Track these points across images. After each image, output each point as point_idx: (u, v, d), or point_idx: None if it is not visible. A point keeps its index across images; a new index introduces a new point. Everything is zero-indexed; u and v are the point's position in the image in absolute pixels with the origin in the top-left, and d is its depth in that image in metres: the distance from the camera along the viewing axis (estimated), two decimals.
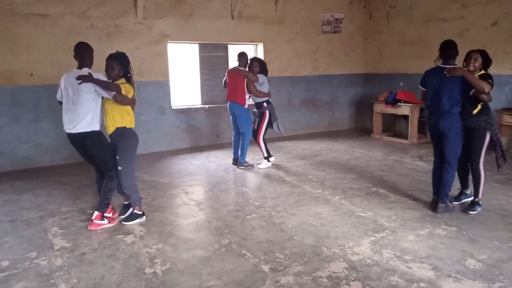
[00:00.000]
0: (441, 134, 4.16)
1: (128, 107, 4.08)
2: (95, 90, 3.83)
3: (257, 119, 6.33)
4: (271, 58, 8.67)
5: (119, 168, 4.05)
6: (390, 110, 8.32)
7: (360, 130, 9.78)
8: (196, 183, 5.64)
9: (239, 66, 6.15)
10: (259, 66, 6.17)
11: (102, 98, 3.95)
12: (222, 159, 6.87)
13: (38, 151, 6.63)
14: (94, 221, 4.04)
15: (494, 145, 4.25)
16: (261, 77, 6.14)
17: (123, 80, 3.99)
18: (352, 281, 3.00)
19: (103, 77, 3.87)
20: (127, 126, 4.09)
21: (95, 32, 6.83)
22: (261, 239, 3.74)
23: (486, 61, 4.16)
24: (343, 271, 3.14)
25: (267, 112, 6.26)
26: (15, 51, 6.28)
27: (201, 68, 8.05)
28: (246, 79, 6.03)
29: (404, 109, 7.95)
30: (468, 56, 4.13)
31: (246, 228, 4.03)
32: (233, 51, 8.33)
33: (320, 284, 2.97)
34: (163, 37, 7.44)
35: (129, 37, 7.12)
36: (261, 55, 8.63)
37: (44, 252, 3.58)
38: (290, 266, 3.23)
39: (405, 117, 8.17)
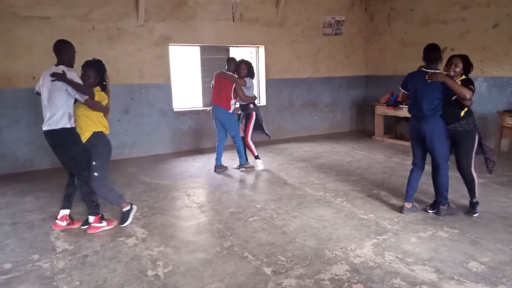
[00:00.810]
0: (425, 139, 4.13)
1: (101, 114, 4.03)
2: (66, 90, 3.75)
3: (244, 121, 6.29)
4: (272, 61, 8.70)
5: (95, 174, 3.95)
6: (391, 112, 8.33)
7: (362, 132, 9.78)
8: (197, 186, 5.63)
9: (227, 70, 6.12)
10: (246, 69, 6.10)
11: (76, 101, 3.90)
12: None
13: (39, 153, 6.63)
14: (92, 224, 4.03)
15: (481, 148, 4.22)
16: (248, 81, 6.09)
17: (98, 88, 3.96)
18: (355, 283, 2.99)
19: (78, 79, 3.79)
20: (104, 132, 4.07)
21: (96, 34, 6.84)
22: (263, 242, 3.74)
23: (467, 66, 4.11)
24: (345, 274, 3.13)
25: (254, 113, 6.21)
26: (15, 53, 6.30)
27: (202, 71, 8.06)
28: (234, 84, 5.99)
29: (405, 111, 7.93)
30: (449, 61, 4.10)
31: (248, 230, 4.02)
32: (234, 53, 8.35)
33: (322, 286, 2.96)
34: (165, 39, 7.45)
35: (130, 40, 7.14)
36: (262, 58, 8.65)
37: (46, 254, 3.57)
38: (292, 269, 3.23)
39: (407, 119, 8.15)
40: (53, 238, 3.92)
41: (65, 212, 4.12)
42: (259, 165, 6.33)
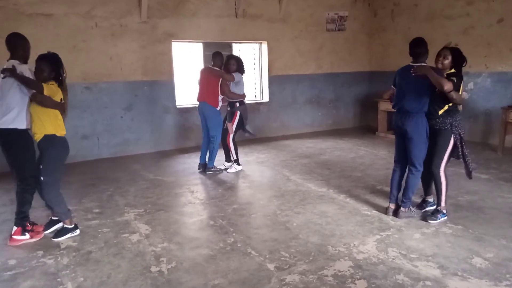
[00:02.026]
0: (405, 135, 3.96)
1: (58, 113, 3.70)
2: (18, 86, 3.51)
3: (227, 118, 6.06)
4: (275, 57, 8.68)
5: (42, 178, 3.66)
6: None
7: (365, 128, 9.75)
8: (201, 182, 5.64)
9: (213, 65, 5.85)
10: (236, 64, 5.87)
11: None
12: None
13: None
14: (13, 236, 3.71)
15: (457, 152, 3.97)
16: (237, 76, 5.85)
17: (52, 82, 3.65)
18: (358, 279, 2.99)
19: (28, 72, 3.53)
20: (57, 134, 3.70)
21: (99, 31, 6.84)
22: (266, 238, 3.74)
23: (459, 60, 3.93)
24: (348, 270, 3.13)
25: (238, 112, 5.97)
26: None
27: None
28: (220, 79, 5.78)
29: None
30: (438, 54, 3.97)
31: (251, 226, 4.03)
32: (238, 49, 8.34)
33: (326, 282, 2.97)
34: (167, 36, 7.45)
35: (133, 37, 7.14)
36: (265, 54, 8.64)
37: (50, 250, 3.59)
38: (295, 265, 3.23)
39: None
40: None
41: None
42: (233, 168, 6.04)
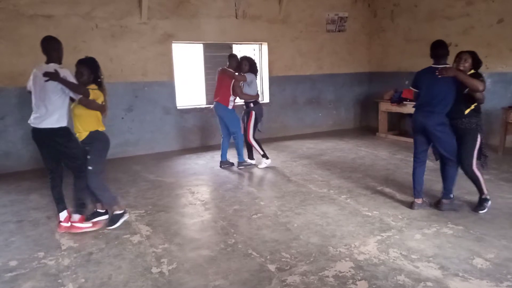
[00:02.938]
0: (429, 134, 4.13)
1: (98, 113, 3.98)
2: (61, 89, 3.72)
3: (244, 119, 6.25)
4: (275, 57, 8.68)
5: (89, 168, 3.92)
6: (395, 108, 8.30)
7: (365, 129, 9.75)
8: (201, 183, 5.64)
9: (228, 67, 6.10)
10: (248, 65, 6.08)
11: (72, 100, 3.88)
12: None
13: None
14: (75, 224, 3.98)
15: (480, 150, 4.17)
16: (249, 76, 6.04)
17: (93, 85, 3.91)
18: (359, 280, 2.99)
19: (71, 76, 3.75)
20: (100, 130, 4.01)
21: (99, 32, 6.85)
22: (266, 239, 3.74)
23: (476, 62, 4.09)
24: (349, 271, 3.13)
25: (253, 112, 6.15)
26: (19, 52, 6.31)
27: (206, 68, 8.05)
28: (232, 80, 5.97)
29: (409, 108, 7.90)
30: (458, 57, 4.09)
31: (252, 227, 4.03)
32: (238, 50, 8.34)
33: (327, 283, 2.97)
34: (168, 37, 7.46)
35: (133, 38, 7.15)
36: (265, 55, 8.64)
37: (51, 252, 3.59)
38: (296, 266, 3.23)
39: (411, 115, 8.12)
40: (58, 235, 3.94)
41: (64, 213, 4.06)
42: (263, 163, 6.29)
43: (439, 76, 3.89)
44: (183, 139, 7.93)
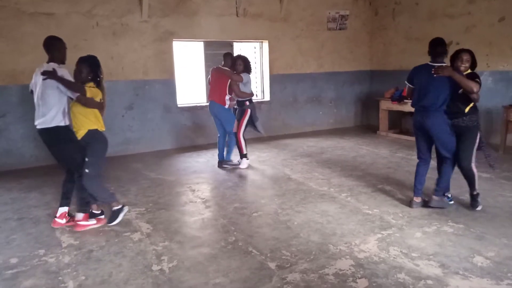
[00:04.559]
0: (429, 132, 4.14)
1: (97, 111, 3.97)
2: (58, 87, 3.73)
3: (238, 117, 6.20)
4: (276, 56, 8.67)
5: (86, 170, 3.87)
6: (396, 107, 8.29)
7: (366, 127, 9.75)
8: (202, 181, 5.64)
9: (224, 66, 6.04)
10: (243, 64, 6.00)
11: (72, 98, 3.87)
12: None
13: (45, 149, 6.53)
14: (79, 222, 4.00)
15: (480, 146, 4.19)
16: (245, 76, 5.98)
17: (91, 84, 3.90)
18: (359, 278, 2.99)
19: (69, 75, 3.76)
20: (99, 129, 4.00)
21: (100, 30, 6.85)
22: (267, 237, 3.75)
23: (474, 61, 4.10)
24: (349, 269, 3.13)
25: (248, 110, 6.13)
26: (21, 50, 6.31)
27: (206, 66, 8.04)
28: (229, 80, 5.93)
29: (410, 106, 7.89)
30: (458, 56, 4.07)
31: (252, 225, 4.03)
32: (239, 48, 8.34)
33: (327, 281, 2.97)
34: (168, 35, 7.45)
35: (134, 36, 7.14)
36: (266, 53, 8.64)
37: (52, 249, 3.60)
38: (296, 264, 3.23)
39: (411, 114, 8.10)
40: (59, 233, 3.94)
41: (63, 209, 4.09)
42: (244, 163, 6.19)
43: (435, 76, 3.90)
44: (183, 137, 7.93)
